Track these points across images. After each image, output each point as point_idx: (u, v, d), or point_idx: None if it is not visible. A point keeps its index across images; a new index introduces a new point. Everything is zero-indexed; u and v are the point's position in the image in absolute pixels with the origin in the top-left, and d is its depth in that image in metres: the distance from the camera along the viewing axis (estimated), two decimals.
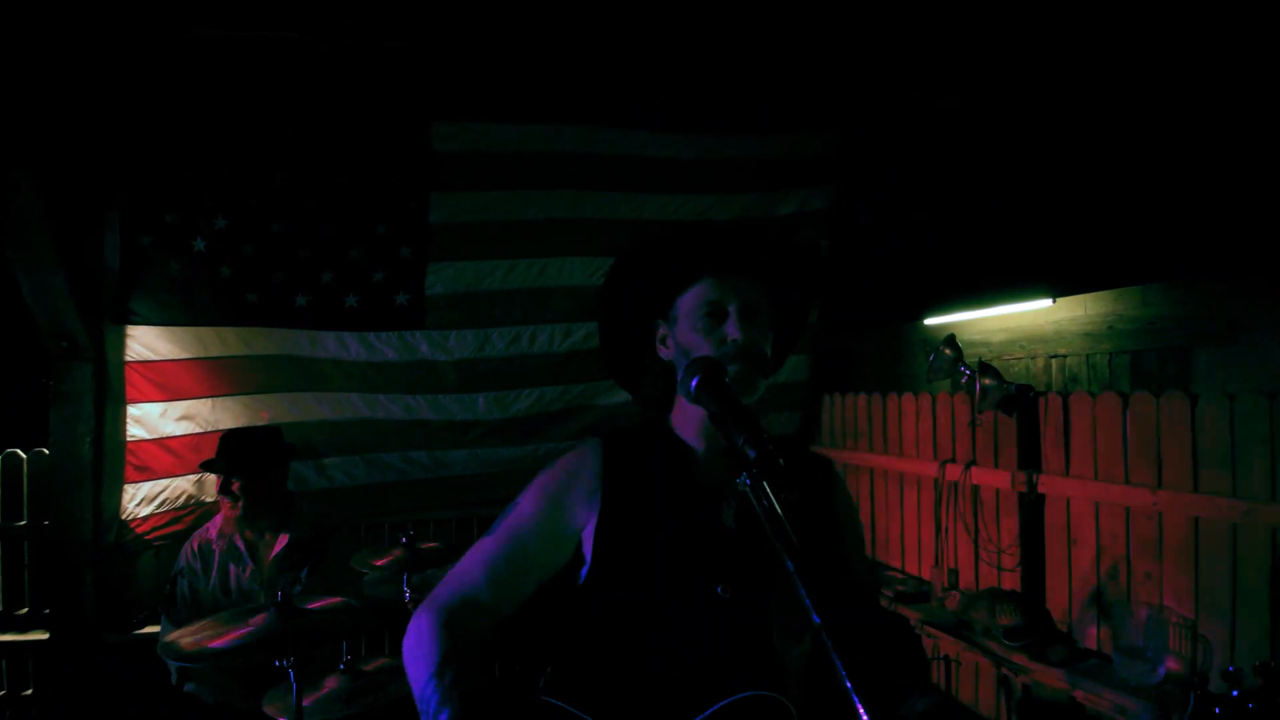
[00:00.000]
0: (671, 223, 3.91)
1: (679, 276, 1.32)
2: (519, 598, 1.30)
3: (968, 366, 2.94)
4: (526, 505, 1.30)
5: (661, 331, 1.36)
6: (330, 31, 3.27)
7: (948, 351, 3.01)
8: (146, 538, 3.25)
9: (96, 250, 3.09)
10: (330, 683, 2.17)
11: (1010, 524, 2.86)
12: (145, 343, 3.23)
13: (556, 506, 1.29)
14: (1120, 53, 3.13)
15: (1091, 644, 2.52)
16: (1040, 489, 2.72)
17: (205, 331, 3.33)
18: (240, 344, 3.41)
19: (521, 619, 1.33)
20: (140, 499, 3.23)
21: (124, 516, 3.20)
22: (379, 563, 2.63)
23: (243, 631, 1.87)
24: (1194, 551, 2.23)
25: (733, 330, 1.24)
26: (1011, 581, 2.84)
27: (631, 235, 3.90)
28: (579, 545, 1.30)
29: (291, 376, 3.52)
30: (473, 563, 1.29)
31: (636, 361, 1.41)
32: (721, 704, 1.11)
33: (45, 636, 3.13)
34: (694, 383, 1.10)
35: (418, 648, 1.20)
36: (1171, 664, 2.20)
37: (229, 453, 2.78)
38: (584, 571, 1.29)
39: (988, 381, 2.83)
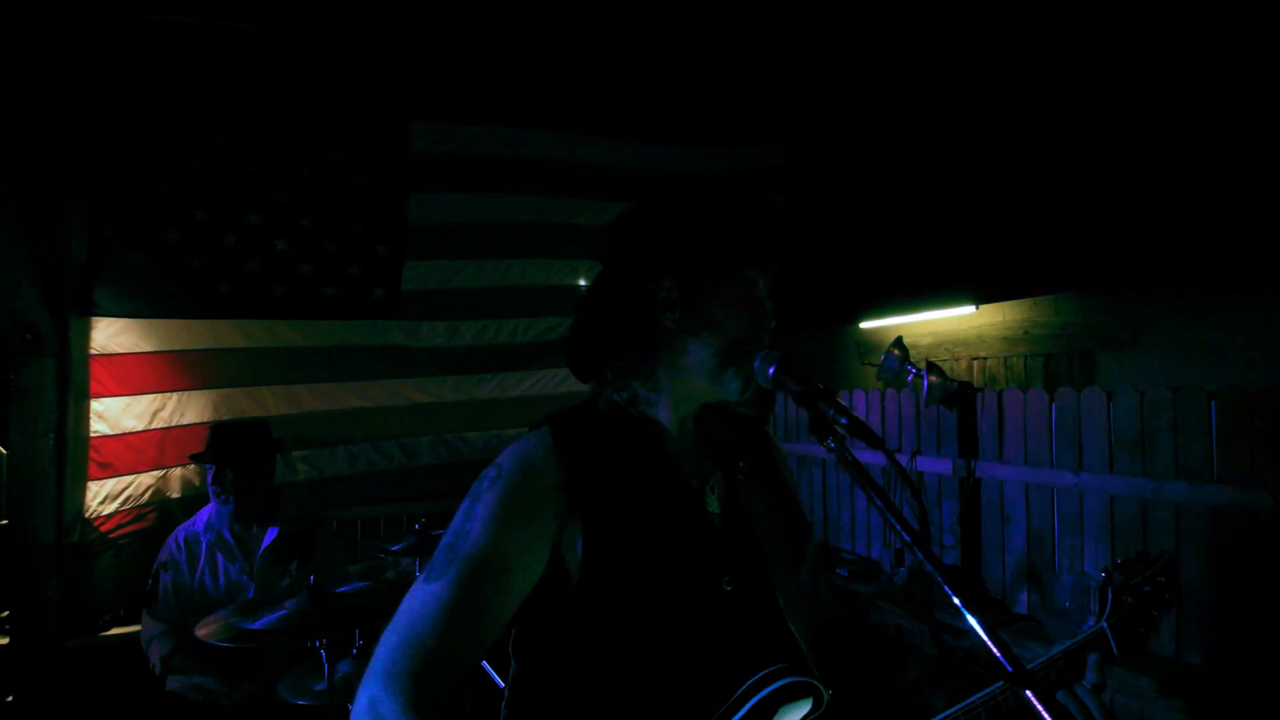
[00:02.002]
0: None
1: (740, 255, 1.19)
2: (490, 640, 1.06)
3: (914, 366, 3.27)
4: (481, 535, 1.06)
5: (668, 294, 1.16)
6: (305, 24, 3.29)
7: (896, 352, 3.32)
8: (110, 536, 3.17)
9: (63, 241, 2.99)
10: (344, 668, 2.24)
11: (951, 506, 3.21)
12: (109, 335, 3.15)
13: (520, 529, 1.08)
14: (1035, 91, 3.55)
15: (1023, 609, 2.89)
16: (977, 474, 3.07)
17: (172, 324, 3.28)
18: (208, 337, 3.37)
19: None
20: (104, 496, 3.14)
21: (87, 515, 3.11)
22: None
23: (278, 614, 1.93)
24: (1110, 525, 2.61)
25: (768, 318, 1.21)
26: (953, 558, 3.19)
27: (590, 240, 4.08)
28: (551, 561, 1.10)
29: (258, 370, 3.50)
30: (428, 614, 1.01)
31: (627, 321, 1.19)
32: (760, 696, 1.04)
33: (4, 642, 2.99)
34: (771, 369, 1.14)
35: None
36: (1093, 622, 2.57)
37: (220, 444, 2.77)
38: (574, 582, 1.10)
39: (933, 379, 3.16)
